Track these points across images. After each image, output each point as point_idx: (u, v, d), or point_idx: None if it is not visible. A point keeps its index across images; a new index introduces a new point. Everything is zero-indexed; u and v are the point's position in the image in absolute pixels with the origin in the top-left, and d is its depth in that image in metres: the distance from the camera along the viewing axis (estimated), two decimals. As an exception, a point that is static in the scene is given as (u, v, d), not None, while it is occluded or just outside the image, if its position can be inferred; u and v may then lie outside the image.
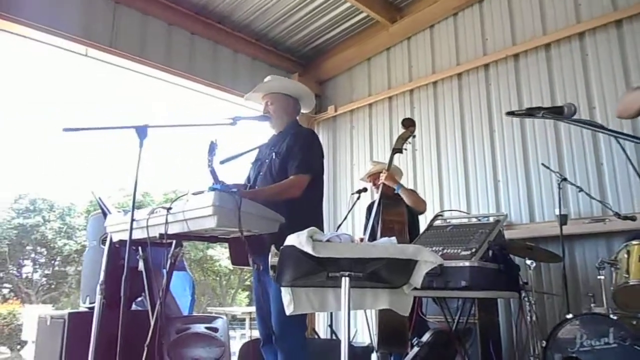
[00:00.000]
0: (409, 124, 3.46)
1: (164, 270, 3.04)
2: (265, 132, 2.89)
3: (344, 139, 6.18)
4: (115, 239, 2.55)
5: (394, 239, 1.70)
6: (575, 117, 1.47)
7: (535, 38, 4.57)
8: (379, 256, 1.57)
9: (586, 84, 4.24)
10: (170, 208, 2.13)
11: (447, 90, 5.22)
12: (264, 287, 2.54)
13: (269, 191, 2.45)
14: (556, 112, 1.46)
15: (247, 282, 30.21)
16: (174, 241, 2.22)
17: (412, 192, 3.65)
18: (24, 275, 22.29)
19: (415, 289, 1.89)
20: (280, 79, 2.88)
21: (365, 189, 4.42)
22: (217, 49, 5.61)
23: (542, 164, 4.00)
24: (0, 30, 4.19)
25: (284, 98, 2.78)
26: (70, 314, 3.09)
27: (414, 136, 3.47)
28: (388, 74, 5.82)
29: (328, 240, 1.61)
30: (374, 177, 3.86)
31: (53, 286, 22.31)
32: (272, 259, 1.75)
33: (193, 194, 2.13)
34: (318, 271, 1.77)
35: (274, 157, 2.63)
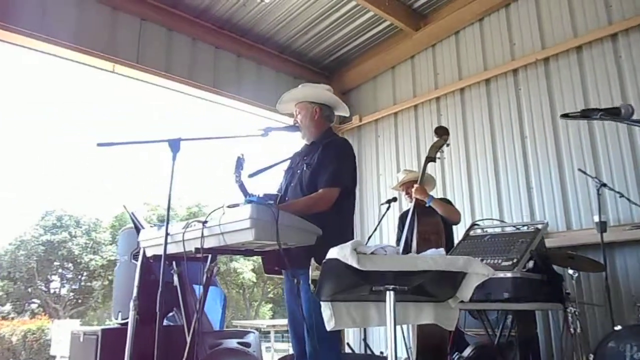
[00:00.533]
0: (442, 132, 3.38)
1: (195, 286, 3.02)
2: (297, 142, 2.84)
3: (370, 149, 6.12)
4: (149, 254, 2.53)
5: (441, 250, 1.63)
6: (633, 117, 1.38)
7: (565, 41, 4.46)
8: (427, 269, 1.50)
9: (621, 86, 4.11)
10: (206, 222, 2.09)
11: (474, 97, 5.13)
12: (297, 301, 2.48)
13: (297, 206, 2.39)
14: (613, 114, 1.38)
15: (271, 295, 30.21)
16: (210, 255, 2.18)
17: (446, 204, 3.55)
18: (51, 291, 22.66)
19: (462, 302, 1.80)
20: (310, 86, 2.82)
21: (395, 199, 4.34)
22: (240, 62, 5.62)
23: (579, 170, 3.87)
24: (29, 49, 4.26)
25: (310, 106, 2.72)
26: (103, 330, 3.07)
27: (448, 144, 3.38)
28: (413, 82, 5.75)
29: (373, 253, 1.55)
30: (406, 185, 3.78)
31: (80, 301, 22.62)
32: (313, 273, 1.68)
33: (228, 206, 2.09)
34: (361, 285, 1.71)
35: (305, 168, 2.57)
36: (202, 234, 2.06)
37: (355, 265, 1.50)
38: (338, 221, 2.43)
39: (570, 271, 3.04)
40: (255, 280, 26.70)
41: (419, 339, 2.91)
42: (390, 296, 1.65)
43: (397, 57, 5.89)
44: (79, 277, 22.62)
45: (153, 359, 2.31)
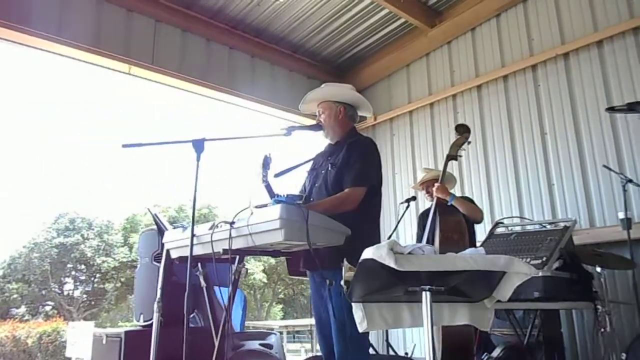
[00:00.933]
0: (463, 130, 3.32)
1: (216, 287, 2.99)
2: (320, 142, 2.81)
3: (385, 148, 6.06)
4: (173, 256, 2.50)
5: (481, 249, 1.59)
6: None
7: (585, 35, 4.39)
8: (468, 269, 1.46)
9: (645, 80, 4.03)
10: (233, 222, 2.06)
11: (492, 94, 5.07)
12: (324, 302, 2.44)
13: (323, 205, 2.36)
14: (662, 106, 1.34)
15: (281, 295, 30.24)
16: (238, 257, 2.15)
17: (467, 202, 3.50)
18: (65, 293, 22.83)
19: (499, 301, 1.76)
20: (334, 85, 2.79)
21: (414, 198, 4.29)
22: (254, 63, 5.61)
23: (604, 166, 3.80)
24: (44, 51, 4.27)
25: (334, 106, 2.69)
26: (127, 332, 3.06)
27: (469, 142, 3.33)
28: (428, 79, 5.70)
29: (410, 253, 1.51)
30: (426, 184, 3.73)
31: (93, 303, 22.77)
32: (347, 274, 1.65)
33: (256, 207, 2.06)
34: (396, 286, 1.67)
35: (329, 168, 2.54)
36: (230, 234, 2.03)
37: (392, 265, 1.46)
38: (365, 221, 2.40)
39: (598, 269, 2.98)
40: (266, 281, 26.74)
41: (445, 339, 2.86)
42: (426, 297, 1.61)
43: (412, 55, 5.83)
44: (92, 279, 22.77)
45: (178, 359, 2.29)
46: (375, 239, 2.49)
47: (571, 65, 4.50)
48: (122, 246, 22.64)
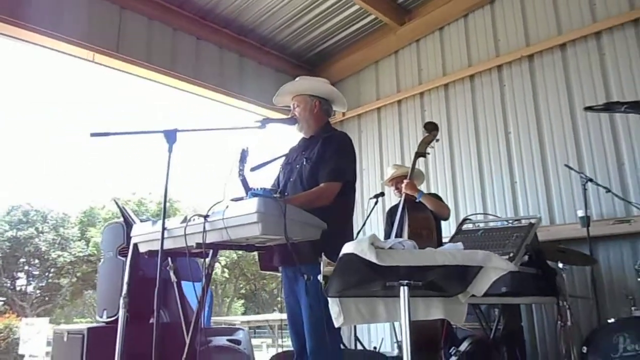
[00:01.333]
0: (432, 127, 3.36)
1: (183, 282, 2.93)
2: (294, 136, 2.79)
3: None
4: (142, 250, 2.43)
5: (459, 244, 1.60)
6: None
7: (550, 38, 4.52)
8: (447, 263, 1.48)
9: (604, 83, 4.18)
10: (207, 216, 2.02)
11: (459, 93, 5.16)
12: (298, 298, 2.43)
13: (299, 199, 2.35)
14: (637, 107, 1.38)
15: (242, 291, 29.99)
16: (211, 251, 2.10)
17: (435, 199, 3.55)
18: (17, 288, 21.95)
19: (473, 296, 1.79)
20: (309, 79, 2.77)
21: (382, 194, 4.32)
22: (222, 54, 5.51)
23: (566, 165, 3.93)
24: (5, 36, 4.08)
25: (309, 99, 2.67)
26: (89, 329, 2.96)
27: (438, 140, 3.38)
28: (397, 77, 5.75)
29: (391, 248, 1.51)
30: (396, 180, 3.76)
31: (47, 298, 21.99)
32: (326, 269, 1.64)
33: (232, 200, 2.02)
34: (374, 280, 1.67)
35: (304, 162, 2.52)
36: (204, 228, 1.99)
37: (374, 260, 1.45)
38: (340, 216, 2.40)
39: (560, 265, 3.09)
40: (227, 277, 26.48)
41: (413, 333, 2.89)
42: (404, 292, 1.62)
43: (380, 52, 5.87)
44: (46, 274, 21.98)
45: (143, 356, 2.23)
46: (349, 235, 2.50)
47: (535, 67, 4.62)
48: (79, 240, 21.93)
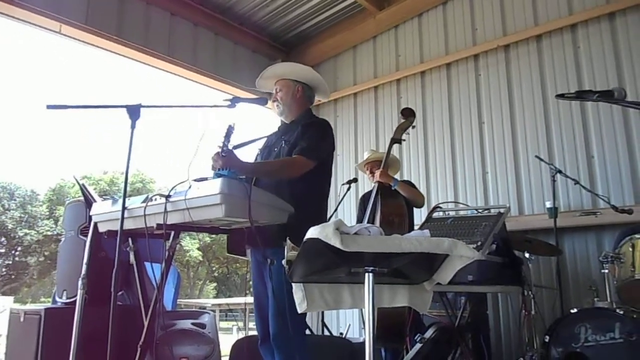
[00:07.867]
0: (408, 113, 3.33)
1: (147, 264, 2.85)
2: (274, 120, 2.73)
3: (328, 128, 6.02)
4: (102, 229, 2.34)
5: (426, 231, 1.57)
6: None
7: (526, 29, 4.52)
8: (413, 250, 1.45)
9: (578, 75, 4.21)
10: (169, 196, 1.94)
11: (435, 80, 5.14)
12: (264, 282, 2.38)
13: (267, 166, 2.32)
14: (607, 96, 1.36)
15: (215, 274, 29.88)
16: (172, 232, 2.03)
17: (410, 187, 3.54)
18: (-19, 266, 21.43)
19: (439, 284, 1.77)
20: (293, 64, 2.74)
21: (355, 179, 4.29)
22: (198, 32, 5.36)
23: (536, 157, 3.95)
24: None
25: (292, 84, 2.63)
26: (47, 309, 2.87)
27: (414, 126, 3.35)
28: (374, 62, 5.69)
29: (356, 233, 1.47)
30: (371, 165, 3.73)
31: (13, 277, 21.52)
32: (290, 253, 1.59)
33: (195, 180, 1.94)
34: (339, 266, 1.63)
35: (283, 145, 2.47)
36: (165, 208, 1.92)
37: (338, 245, 1.41)
38: (313, 199, 2.35)
39: (527, 255, 3.11)
40: (201, 259, 26.32)
41: (378, 319, 2.88)
42: (369, 278, 1.58)
43: (359, 37, 5.79)
44: (13, 252, 21.47)
45: (102, 340, 2.16)
46: (322, 219, 2.46)
47: (511, 57, 4.63)
48: (47, 219, 21.45)
